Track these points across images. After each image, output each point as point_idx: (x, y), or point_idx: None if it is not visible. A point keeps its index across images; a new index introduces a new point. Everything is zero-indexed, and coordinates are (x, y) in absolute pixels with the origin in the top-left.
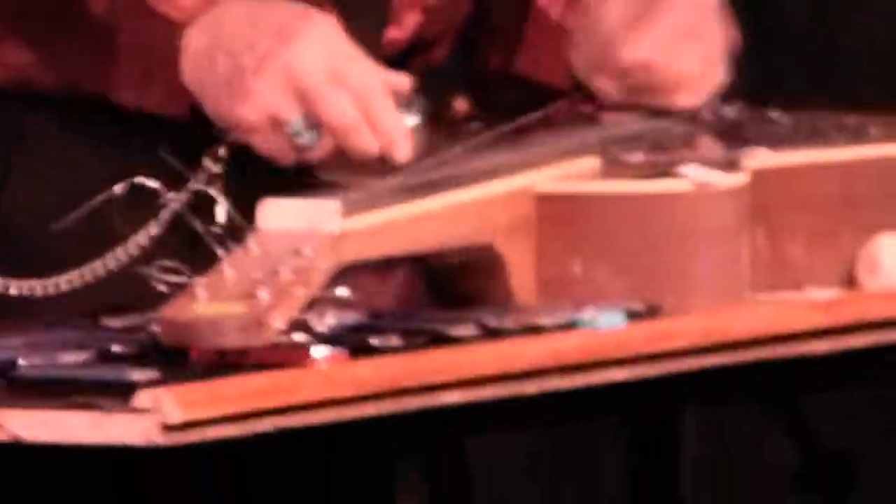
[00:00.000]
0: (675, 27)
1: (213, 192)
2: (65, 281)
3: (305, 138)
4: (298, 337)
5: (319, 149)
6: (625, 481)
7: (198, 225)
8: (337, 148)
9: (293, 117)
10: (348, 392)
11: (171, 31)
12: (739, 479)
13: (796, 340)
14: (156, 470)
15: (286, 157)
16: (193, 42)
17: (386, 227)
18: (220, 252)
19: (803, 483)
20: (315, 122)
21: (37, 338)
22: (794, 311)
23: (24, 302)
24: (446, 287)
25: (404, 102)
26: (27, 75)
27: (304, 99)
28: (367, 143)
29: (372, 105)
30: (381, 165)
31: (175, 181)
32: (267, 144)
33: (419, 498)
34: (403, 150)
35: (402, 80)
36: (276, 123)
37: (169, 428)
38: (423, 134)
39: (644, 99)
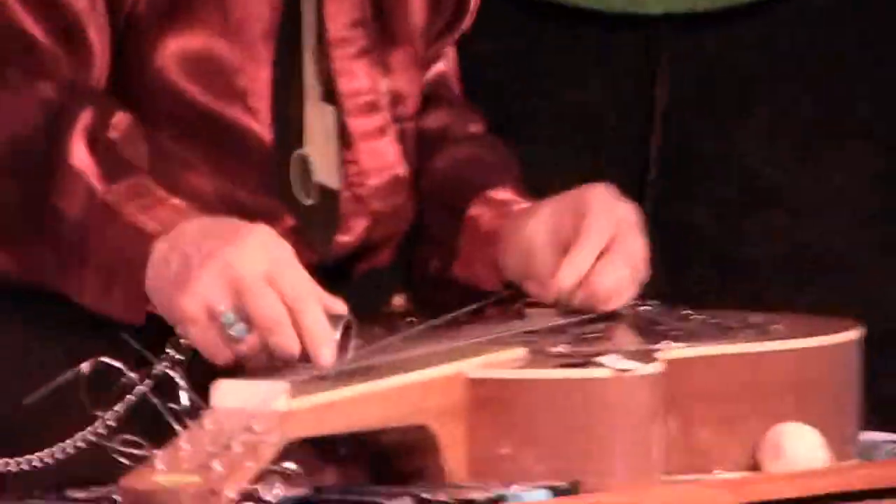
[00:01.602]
0: (600, 249)
1: (175, 376)
2: (36, 458)
3: (235, 330)
4: None
5: (247, 344)
6: None
7: (159, 405)
8: (263, 345)
9: (226, 309)
10: None
11: (142, 241)
12: None
13: None
14: None
15: (220, 350)
16: (157, 250)
17: (329, 408)
18: (178, 428)
19: None
20: (246, 317)
21: None
22: (703, 490)
23: None
24: (384, 465)
25: (334, 319)
26: None
27: (237, 294)
28: (289, 342)
29: (299, 307)
30: (305, 366)
31: (137, 362)
32: (203, 336)
33: None
34: (326, 356)
35: (338, 302)
36: (212, 315)
37: None
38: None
39: (573, 306)
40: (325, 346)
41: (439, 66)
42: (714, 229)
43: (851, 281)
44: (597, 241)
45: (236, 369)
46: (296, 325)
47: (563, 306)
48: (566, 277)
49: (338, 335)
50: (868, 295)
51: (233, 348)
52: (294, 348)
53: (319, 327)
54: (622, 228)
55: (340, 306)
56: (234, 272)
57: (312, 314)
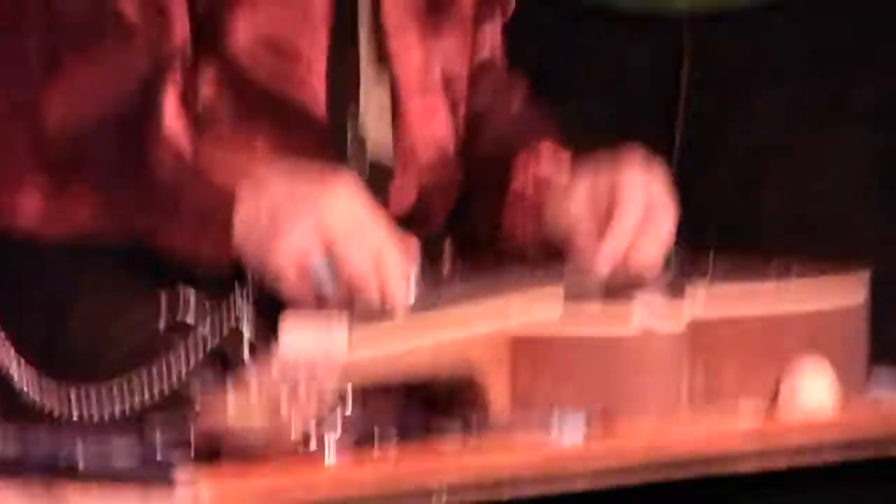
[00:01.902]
0: (633, 233)
1: (243, 326)
2: (120, 409)
3: (325, 284)
4: (313, 442)
5: (334, 295)
6: None
7: (229, 353)
8: (348, 296)
9: (319, 267)
10: (353, 492)
11: (223, 195)
12: None
13: (727, 460)
14: None
15: (306, 299)
16: (242, 207)
17: (385, 360)
18: (248, 373)
19: None
20: (334, 270)
21: (92, 440)
22: (725, 432)
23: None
24: (435, 407)
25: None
26: (88, 228)
27: (328, 246)
28: (372, 297)
29: (384, 267)
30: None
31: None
32: (293, 289)
33: None
34: (400, 306)
35: (412, 241)
36: (303, 269)
37: None
38: (420, 287)
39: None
40: (401, 298)
41: (486, 51)
42: (730, 195)
43: (854, 242)
44: (629, 224)
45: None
46: (378, 281)
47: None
48: (603, 265)
49: (409, 284)
50: (868, 255)
51: (319, 298)
52: (376, 302)
53: (398, 282)
54: (653, 208)
55: (411, 255)
56: (326, 227)
57: (394, 270)
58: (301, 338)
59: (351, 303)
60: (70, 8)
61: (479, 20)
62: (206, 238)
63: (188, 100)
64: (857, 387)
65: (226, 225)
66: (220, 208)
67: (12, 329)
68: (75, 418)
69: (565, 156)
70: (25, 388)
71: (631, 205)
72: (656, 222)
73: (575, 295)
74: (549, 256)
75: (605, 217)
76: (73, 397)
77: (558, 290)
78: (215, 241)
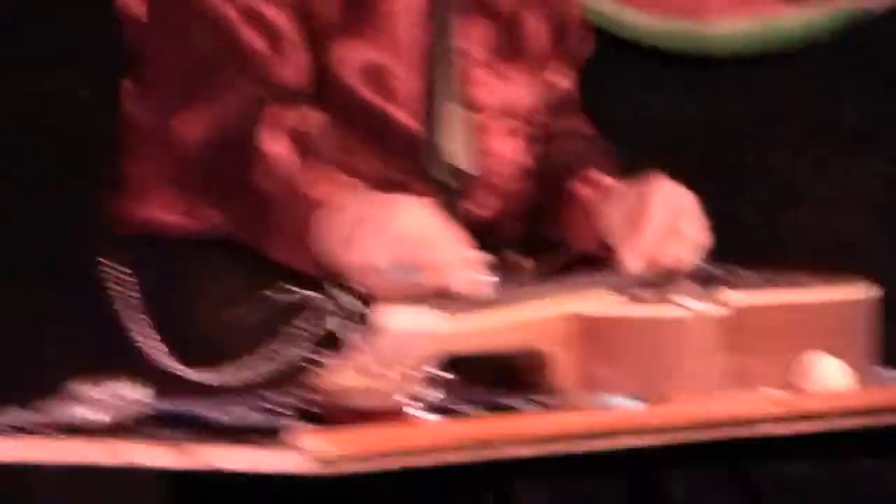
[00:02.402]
0: (661, 232)
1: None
2: (243, 373)
3: (399, 284)
4: (412, 403)
5: (409, 287)
6: None
7: (336, 325)
8: (428, 287)
9: (388, 262)
10: (446, 443)
11: (309, 207)
12: None
13: (756, 423)
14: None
15: (378, 293)
16: (326, 217)
17: (474, 334)
18: (355, 344)
19: None
20: (404, 264)
21: (224, 403)
22: (756, 403)
23: (208, 387)
24: (511, 379)
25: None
26: (213, 228)
27: (396, 248)
28: (450, 284)
29: (450, 269)
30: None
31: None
32: (367, 282)
33: None
34: (476, 292)
35: (480, 254)
36: (373, 268)
37: (323, 462)
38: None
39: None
40: (474, 286)
41: (564, 84)
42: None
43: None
44: (657, 225)
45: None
46: (444, 275)
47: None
48: (633, 261)
49: (481, 277)
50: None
51: (399, 291)
52: (451, 288)
53: (464, 279)
54: (681, 213)
55: (482, 254)
56: (396, 234)
57: (460, 271)
58: (401, 316)
59: (425, 298)
60: (203, 41)
61: (555, 57)
62: (297, 246)
63: (298, 125)
64: (868, 372)
65: (309, 234)
66: (308, 220)
67: (156, 317)
68: (209, 389)
69: (614, 177)
70: (168, 366)
71: (659, 209)
72: (684, 225)
73: (629, 287)
74: (601, 260)
75: (637, 221)
76: (206, 373)
77: (613, 284)
78: (303, 250)
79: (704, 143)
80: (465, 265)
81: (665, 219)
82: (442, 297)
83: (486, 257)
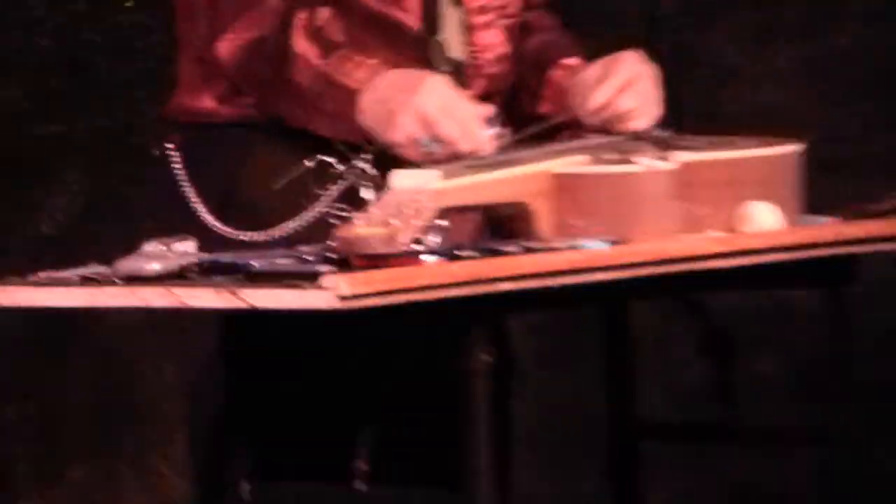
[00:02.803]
0: (620, 83)
1: (367, 169)
2: (279, 231)
3: (431, 148)
4: (416, 247)
5: (438, 155)
6: (602, 341)
7: (359, 184)
8: (448, 153)
9: (423, 137)
10: (445, 280)
11: (349, 95)
12: (669, 342)
13: (704, 260)
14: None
15: (421, 159)
16: (364, 101)
17: (465, 189)
18: (370, 200)
19: (703, 347)
20: (436, 138)
21: (262, 255)
22: (704, 242)
23: (249, 243)
24: (499, 228)
25: (489, 120)
26: (250, 114)
27: (426, 124)
28: (465, 149)
29: (468, 126)
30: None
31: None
32: (408, 154)
33: (485, 346)
34: (487, 151)
35: (489, 108)
36: (413, 141)
37: (343, 298)
38: (501, 136)
39: (611, 126)
40: (486, 146)
41: None
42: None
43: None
44: (616, 81)
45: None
46: (466, 137)
47: (605, 131)
48: (594, 101)
49: (493, 131)
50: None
51: (429, 157)
52: (468, 152)
53: (480, 135)
54: (639, 76)
55: (492, 111)
56: (422, 111)
57: (475, 128)
58: (406, 177)
59: (449, 158)
60: None
61: None
62: (340, 125)
63: (315, 23)
64: (795, 216)
65: (352, 116)
66: (349, 104)
67: (205, 189)
68: (252, 245)
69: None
70: (216, 227)
71: (621, 70)
72: (639, 86)
73: (596, 150)
74: (575, 130)
75: (602, 80)
76: (248, 232)
77: (585, 147)
78: (347, 127)
79: (647, 32)
80: (476, 131)
81: (626, 76)
82: (457, 159)
83: (490, 111)
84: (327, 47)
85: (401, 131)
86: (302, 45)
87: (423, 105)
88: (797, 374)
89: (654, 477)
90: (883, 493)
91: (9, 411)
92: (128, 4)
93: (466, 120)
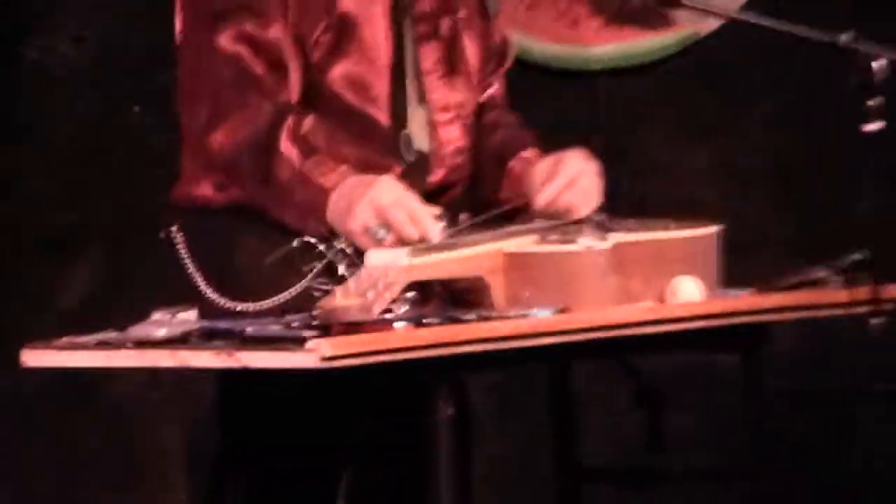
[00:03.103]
0: (564, 181)
1: (344, 251)
2: (269, 301)
3: (381, 236)
4: (388, 316)
5: (389, 241)
6: (549, 397)
7: (339, 265)
8: (397, 239)
9: (375, 225)
10: (413, 344)
11: (322, 193)
12: (608, 397)
13: (637, 326)
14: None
15: (372, 247)
16: (332, 198)
17: (430, 265)
18: (347, 275)
19: (637, 401)
20: (386, 225)
21: (255, 322)
22: (636, 311)
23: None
24: (458, 298)
25: (436, 216)
26: (242, 201)
27: (380, 214)
28: (413, 234)
29: (417, 215)
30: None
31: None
32: (362, 241)
33: (448, 401)
34: (434, 237)
35: (435, 208)
36: (366, 229)
37: (325, 359)
38: (445, 229)
39: (557, 216)
40: (433, 231)
41: (490, 91)
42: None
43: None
44: (562, 180)
45: None
46: (415, 223)
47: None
48: (541, 198)
49: (439, 226)
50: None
51: (381, 244)
52: (415, 236)
53: (429, 223)
54: (582, 173)
55: (437, 211)
56: (376, 202)
57: (424, 217)
58: (379, 255)
59: (401, 243)
60: (224, 75)
61: (484, 70)
62: (309, 217)
63: (300, 129)
64: (714, 289)
65: (321, 210)
66: (320, 200)
67: (204, 266)
68: (244, 314)
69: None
70: (213, 297)
71: (566, 168)
72: (584, 181)
73: (542, 232)
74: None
75: (551, 175)
76: (241, 302)
77: (534, 230)
78: (317, 219)
79: (588, 134)
80: (424, 219)
81: (570, 175)
82: (408, 244)
83: (437, 211)
84: (308, 151)
85: (357, 220)
86: (287, 146)
87: (377, 197)
88: (717, 427)
89: None
90: None
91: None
92: (135, 109)
93: (414, 209)
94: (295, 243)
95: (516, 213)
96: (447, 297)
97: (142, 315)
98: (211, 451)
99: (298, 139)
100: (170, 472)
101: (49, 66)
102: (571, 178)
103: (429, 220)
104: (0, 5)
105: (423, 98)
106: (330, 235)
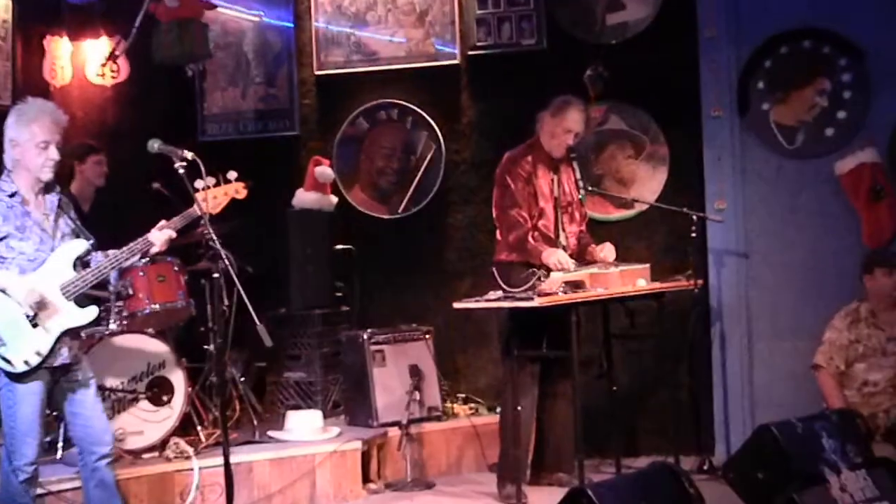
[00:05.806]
0: (605, 252)
1: (547, 271)
2: (523, 288)
3: (556, 266)
4: (557, 290)
5: (557, 268)
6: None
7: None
8: (560, 269)
9: (554, 262)
10: (567, 301)
11: (540, 252)
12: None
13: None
14: None
15: (554, 270)
16: (544, 254)
17: (571, 276)
18: (545, 279)
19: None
20: (559, 265)
21: (518, 291)
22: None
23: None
24: (577, 287)
25: (572, 263)
26: (519, 260)
27: (556, 260)
28: (568, 268)
29: (565, 262)
30: None
31: None
32: (552, 267)
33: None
34: (571, 269)
35: (571, 261)
36: (552, 264)
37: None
38: (575, 266)
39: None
40: (571, 267)
41: (582, 227)
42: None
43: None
44: (606, 252)
45: None
46: (565, 264)
47: (600, 262)
48: (599, 258)
49: (572, 265)
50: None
51: (555, 269)
52: (568, 268)
53: (569, 264)
54: (608, 248)
55: (571, 261)
56: (555, 256)
57: (567, 262)
58: (555, 273)
59: (561, 270)
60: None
61: (581, 222)
62: (539, 260)
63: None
64: None
65: (538, 257)
66: (538, 254)
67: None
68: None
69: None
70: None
71: (607, 248)
72: (608, 251)
73: (600, 267)
74: (594, 263)
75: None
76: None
77: (596, 266)
78: (539, 260)
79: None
80: (567, 263)
81: (607, 249)
82: (563, 271)
83: (572, 261)
84: (535, 241)
85: (550, 260)
86: (531, 243)
87: (554, 253)
88: None
89: None
90: None
91: None
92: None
93: (565, 259)
94: (531, 270)
95: (594, 262)
96: (568, 289)
97: None
98: None
99: (536, 239)
100: None
101: None
102: (606, 249)
103: (569, 263)
104: None
105: (564, 228)
106: (542, 266)
